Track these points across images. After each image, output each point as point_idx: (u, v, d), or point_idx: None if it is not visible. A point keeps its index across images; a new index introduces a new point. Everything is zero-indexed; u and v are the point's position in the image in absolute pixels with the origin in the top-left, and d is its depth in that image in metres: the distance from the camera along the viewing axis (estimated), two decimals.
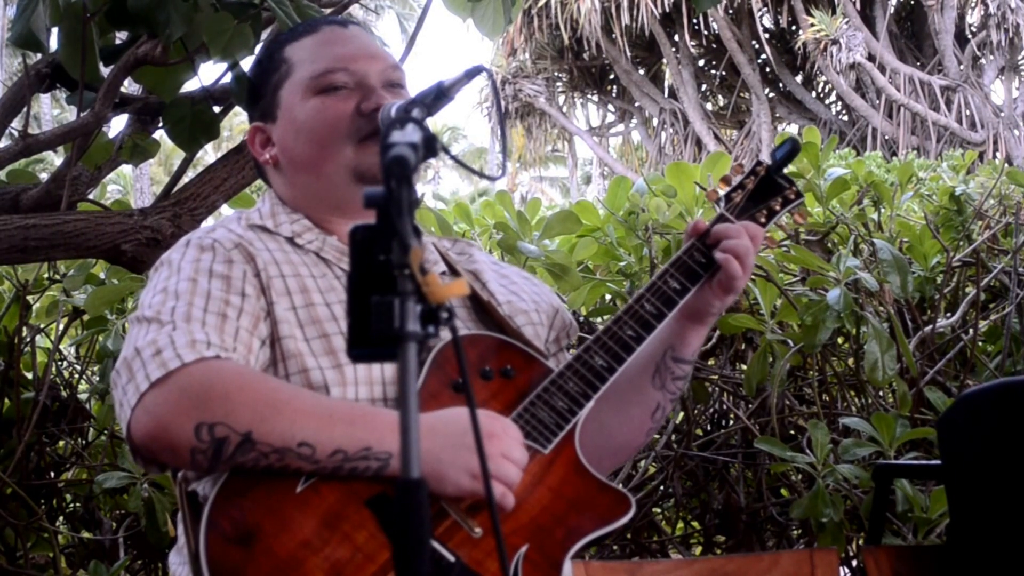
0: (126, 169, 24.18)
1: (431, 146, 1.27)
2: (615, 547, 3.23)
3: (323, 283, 1.74)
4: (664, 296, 1.77)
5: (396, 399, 1.65)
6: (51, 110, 26.78)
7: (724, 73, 26.06)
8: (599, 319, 3.40)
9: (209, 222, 2.57)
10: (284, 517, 1.51)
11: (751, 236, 1.79)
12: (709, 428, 3.41)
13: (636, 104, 26.86)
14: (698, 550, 3.39)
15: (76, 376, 3.48)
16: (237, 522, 1.49)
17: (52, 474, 3.33)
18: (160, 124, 2.72)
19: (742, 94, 25.78)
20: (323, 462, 1.52)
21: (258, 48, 2.39)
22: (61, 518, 3.38)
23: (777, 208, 1.89)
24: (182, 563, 1.67)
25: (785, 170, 1.91)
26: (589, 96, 28.93)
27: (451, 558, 1.55)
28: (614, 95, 28.19)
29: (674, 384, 1.88)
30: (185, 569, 1.65)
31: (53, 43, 2.48)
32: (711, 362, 3.34)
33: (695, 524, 3.42)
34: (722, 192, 1.88)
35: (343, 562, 1.49)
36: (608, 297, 3.33)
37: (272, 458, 1.51)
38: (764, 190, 1.89)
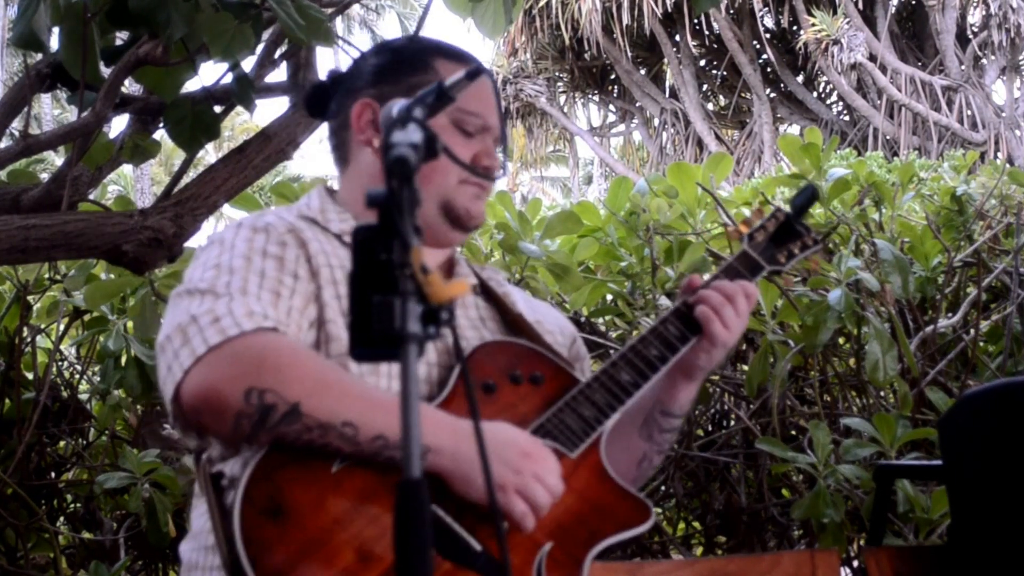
0: (127, 169, 24.19)
1: (432, 146, 1.27)
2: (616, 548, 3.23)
3: None
4: (686, 320, 1.86)
5: (426, 397, 1.71)
6: (52, 110, 26.77)
7: (725, 73, 26.03)
8: (600, 319, 3.40)
9: (210, 222, 2.57)
10: (318, 495, 1.53)
11: (746, 294, 1.87)
12: (710, 428, 3.41)
13: (637, 104, 26.84)
14: (699, 551, 3.39)
15: (77, 376, 3.48)
16: (272, 497, 1.51)
17: (53, 474, 3.33)
18: (161, 124, 2.72)
19: (743, 94, 25.76)
20: (363, 445, 1.54)
21: (256, 46, 2.39)
22: (62, 518, 3.38)
23: (796, 252, 2.02)
24: (197, 549, 1.68)
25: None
26: (590, 96, 28.91)
27: (477, 547, 1.58)
28: (615, 95, 28.17)
29: (661, 436, 1.96)
30: (200, 554, 1.67)
31: (54, 43, 2.48)
32: None
33: (696, 524, 3.42)
34: (745, 232, 1.99)
35: (372, 541, 1.52)
36: (609, 297, 3.33)
37: (315, 433, 1.53)
38: (784, 234, 2.00)
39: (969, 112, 22.09)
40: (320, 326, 1.69)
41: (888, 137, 22.64)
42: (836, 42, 21.76)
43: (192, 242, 2.65)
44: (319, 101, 1.97)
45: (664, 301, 3.14)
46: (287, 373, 1.54)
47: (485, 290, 1.95)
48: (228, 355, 1.55)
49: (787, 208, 2.02)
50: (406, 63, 1.88)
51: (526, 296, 2.12)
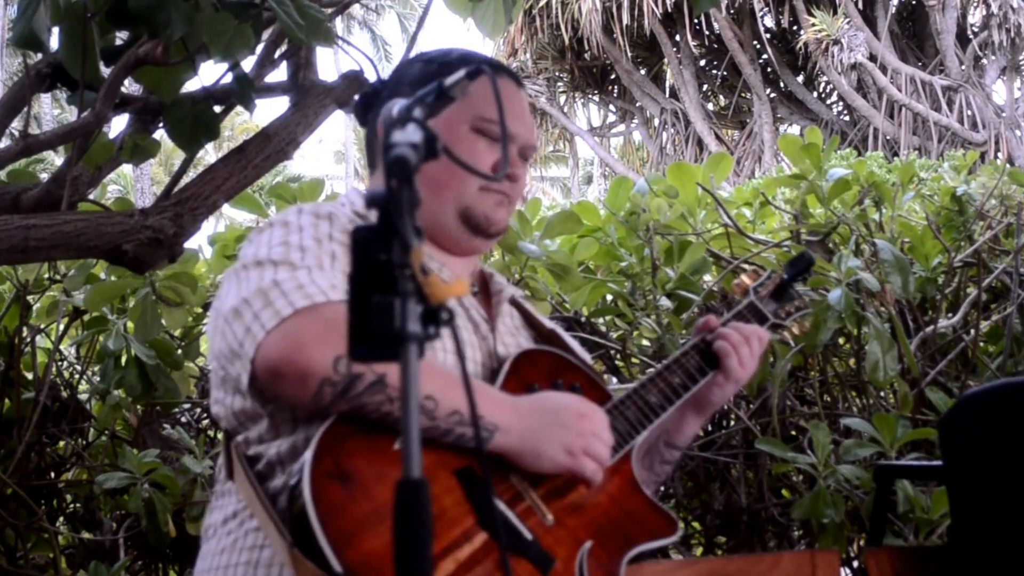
0: (127, 169, 24.21)
1: (432, 146, 1.27)
2: None
3: None
4: (706, 356, 1.97)
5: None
6: (51, 110, 26.77)
7: (725, 73, 26.03)
8: (600, 320, 3.40)
9: (210, 221, 2.57)
10: (381, 469, 1.53)
11: (759, 338, 1.99)
12: (710, 428, 3.41)
13: (637, 104, 26.84)
14: (699, 551, 3.38)
15: (76, 376, 3.48)
16: (339, 462, 1.51)
17: (52, 474, 3.33)
18: (161, 124, 2.71)
19: (743, 94, 25.76)
20: (439, 420, 1.56)
21: (256, 46, 2.39)
22: (61, 518, 3.38)
23: (792, 311, 2.17)
24: (225, 532, 1.67)
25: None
26: (590, 96, 28.90)
27: (529, 536, 1.61)
28: (615, 95, 28.17)
29: (661, 467, 2.06)
30: (227, 539, 1.66)
31: (54, 43, 2.48)
32: None
33: (696, 525, 3.42)
34: (749, 286, 2.13)
35: (433, 519, 1.52)
36: (609, 298, 3.33)
37: (395, 405, 1.53)
38: (780, 294, 2.14)
39: (969, 112, 22.09)
40: None
41: (888, 137, 22.64)
42: (836, 42, 21.76)
43: (192, 243, 2.65)
44: (364, 110, 1.98)
45: (664, 301, 3.14)
46: None
47: (514, 302, 2.00)
48: (318, 319, 1.53)
49: (784, 275, 2.17)
50: (435, 74, 1.86)
51: (539, 313, 2.17)
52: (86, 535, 3.32)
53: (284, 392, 1.57)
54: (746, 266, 3.11)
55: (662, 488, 3.26)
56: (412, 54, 2.96)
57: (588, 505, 1.72)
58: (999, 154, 21.08)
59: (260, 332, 1.54)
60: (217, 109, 2.64)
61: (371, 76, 2.70)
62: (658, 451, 2.04)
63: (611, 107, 29.03)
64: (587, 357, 2.09)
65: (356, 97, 2.04)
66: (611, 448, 1.75)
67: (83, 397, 3.43)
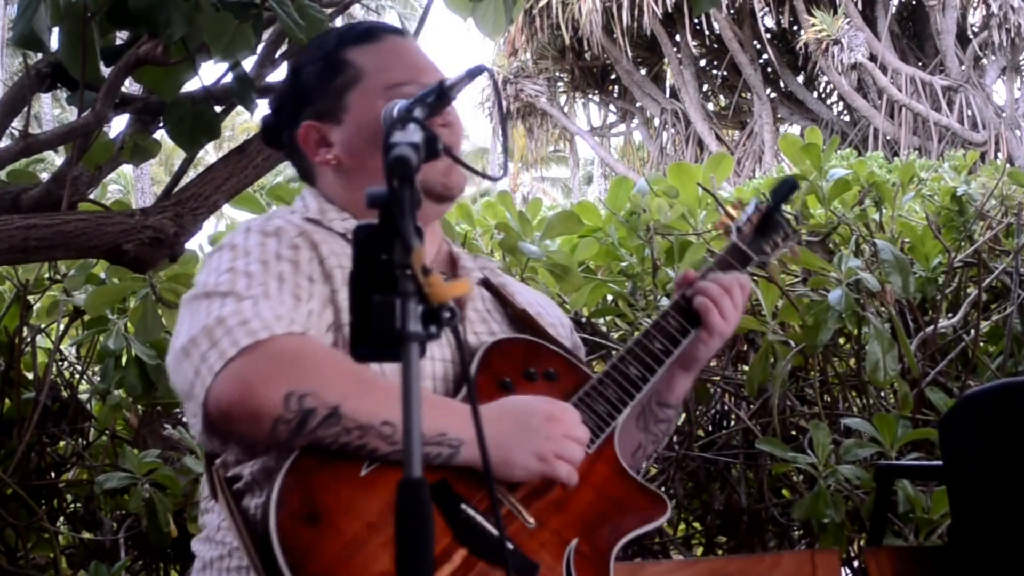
0: (127, 169, 24.19)
1: (432, 146, 1.27)
2: None
3: None
4: (686, 313, 1.90)
5: (444, 394, 1.71)
6: (52, 110, 26.77)
7: (726, 73, 26.03)
8: (601, 320, 3.40)
9: (211, 221, 2.57)
10: (349, 499, 1.52)
11: (741, 286, 1.92)
12: (711, 429, 3.41)
13: (637, 104, 26.84)
14: (699, 551, 3.38)
15: (77, 376, 3.48)
16: (305, 502, 1.50)
17: (53, 474, 3.33)
18: (161, 124, 2.71)
19: (744, 94, 25.76)
20: (400, 444, 1.53)
21: (256, 45, 2.39)
22: (62, 518, 3.38)
23: (779, 242, 2.06)
24: (213, 549, 1.68)
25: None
26: (590, 96, 28.91)
27: (509, 545, 1.59)
28: (615, 95, 28.18)
29: (657, 427, 2.00)
30: (216, 554, 1.66)
31: (54, 43, 2.48)
32: (713, 363, 3.34)
33: (696, 525, 3.42)
34: (732, 224, 2.05)
35: None
36: (610, 298, 3.33)
37: (353, 435, 1.52)
38: (767, 225, 2.05)
39: (969, 112, 22.09)
40: (337, 329, 1.68)
41: (888, 137, 22.64)
42: (836, 42, 21.76)
43: (192, 243, 2.65)
44: (273, 136, 1.95)
45: (665, 302, 3.14)
46: (325, 376, 1.53)
47: (485, 282, 1.94)
48: (264, 357, 1.52)
49: (768, 201, 2.08)
50: (322, 71, 1.86)
51: (522, 285, 2.13)
52: (86, 535, 3.32)
53: (239, 433, 1.58)
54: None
55: (663, 488, 3.26)
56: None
57: (571, 500, 1.68)
58: (999, 154, 21.08)
59: (208, 375, 1.52)
60: (217, 109, 2.63)
61: None
62: (651, 412, 1.99)
63: (611, 107, 29.04)
64: (564, 322, 2.04)
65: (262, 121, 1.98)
66: (590, 438, 1.72)
67: (83, 397, 3.43)
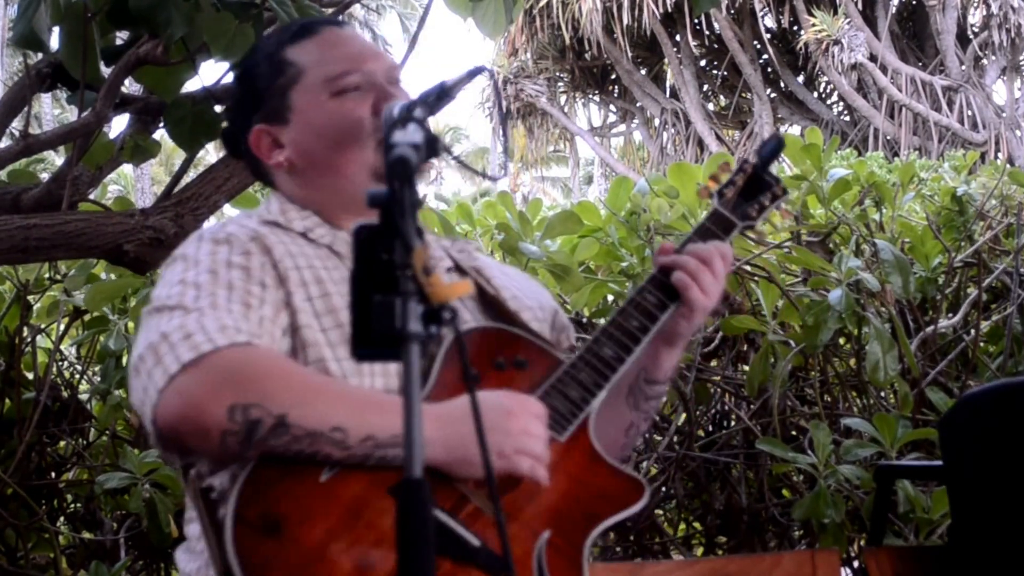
0: (127, 169, 24.20)
1: (433, 146, 1.27)
2: (618, 548, 3.23)
3: (336, 275, 1.74)
4: (664, 287, 1.81)
5: None
6: (52, 110, 26.78)
7: (726, 73, 26.04)
8: (602, 320, 3.40)
9: (211, 222, 2.57)
10: (310, 507, 1.51)
11: (722, 255, 1.83)
12: (711, 429, 3.41)
13: (638, 104, 26.85)
14: (700, 551, 3.39)
15: (77, 376, 3.48)
16: (263, 513, 1.49)
17: (53, 474, 3.33)
18: (161, 124, 2.72)
19: (744, 94, 25.77)
20: (354, 448, 1.52)
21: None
22: (62, 518, 3.38)
23: (767, 203, 1.94)
24: (193, 559, 1.67)
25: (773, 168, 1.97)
26: (591, 96, 28.92)
27: (476, 542, 1.56)
28: (615, 95, 28.19)
29: (647, 404, 1.92)
30: (196, 565, 1.65)
31: (54, 43, 2.48)
32: (713, 363, 3.35)
33: (697, 525, 3.42)
34: (714, 189, 1.93)
35: (369, 549, 1.50)
36: (610, 298, 3.33)
37: (304, 442, 1.50)
38: (753, 187, 1.94)
39: (969, 112, 22.10)
40: (294, 332, 1.66)
41: (889, 137, 22.65)
42: (837, 42, 21.78)
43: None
44: (233, 145, 1.93)
45: None
46: (269, 385, 1.52)
47: (458, 268, 1.90)
48: (206, 371, 1.51)
49: (754, 160, 1.97)
50: (266, 73, 1.85)
51: (501, 266, 2.07)
52: (87, 535, 3.32)
53: (191, 448, 1.57)
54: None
55: (663, 488, 3.26)
56: (413, 54, 2.98)
57: (542, 491, 1.63)
58: (999, 154, 21.09)
59: (154, 393, 1.52)
60: (218, 109, 2.64)
61: None
62: (640, 390, 1.91)
63: (611, 107, 29.06)
64: (544, 303, 1.97)
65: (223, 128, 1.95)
66: (563, 425, 1.68)
67: (84, 397, 3.43)
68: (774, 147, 1.95)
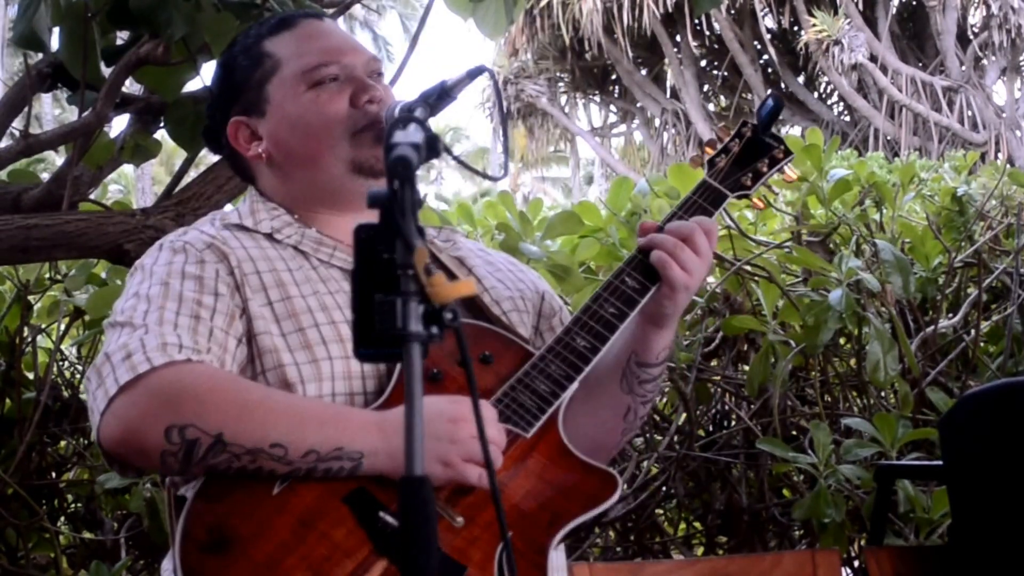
0: (128, 169, 24.19)
1: (433, 146, 1.27)
2: (618, 548, 3.23)
3: (299, 275, 1.73)
4: (646, 268, 1.73)
5: (374, 392, 1.63)
6: (52, 110, 26.80)
7: (726, 74, 26.06)
8: None
9: None
10: (261, 520, 1.50)
11: (705, 231, 1.73)
12: (711, 429, 3.41)
13: (638, 104, 26.87)
14: (700, 551, 3.39)
15: (77, 376, 3.48)
16: (212, 528, 1.48)
17: (54, 474, 3.33)
18: (162, 124, 2.72)
19: (744, 95, 25.78)
20: (296, 463, 1.51)
21: None
22: (62, 518, 3.38)
23: (764, 169, 1.86)
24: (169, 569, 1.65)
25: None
26: (591, 96, 28.94)
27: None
28: (616, 95, 28.21)
29: (642, 388, 1.83)
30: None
31: (55, 43, 2.48)
32: (714, 363, 3.34)
33: (697, 525, 3.42)
34: (707, 157, 1.86)
35: (321, 560, 1.49)
36: None
37: (245, 459, 1.50)
38: (751, 152, 1.86)
39: (970, 113, 22.12)
40: (251, 340, 1.65)
41: (889, 138, 22.66)
42: (837, 43, 21.79)
43: None
44: (214, 142, 1.92)
45: None
46: (205, 404, 1.51)
47: (434, 258, 1.83)
48: (142, 393, 1.51)
49: (753, 121, 1.88)
50: (243, 66, 1.84)
51: (487, 253, 2.00)
52: (87, 535, 3.32)
53: (136, 466, 1.59)
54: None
55: (663, 488, 3.26)
56: (413, 54, 2.98)
57: (504, 492, 1.58)
58: (999, 154, 21.11)
59: (96, 415, 1.54)
60: None
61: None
62: (632, 373, 1.80)
63: (612, 107, 29.08)
64: (528, 292, 1.91)
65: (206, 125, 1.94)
66: (528, 423, 1.63)
67: (84, 397, 3.43)
68: (773, 107, 1.84)
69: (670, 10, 22.71)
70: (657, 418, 3.27)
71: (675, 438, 3.24)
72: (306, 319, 1.67)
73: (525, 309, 1.88)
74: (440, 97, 1.58)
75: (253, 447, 1.50)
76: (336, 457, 1.52)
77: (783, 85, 25.41)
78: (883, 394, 3.24)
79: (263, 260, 1.73)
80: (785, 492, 3.30)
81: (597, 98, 29.01)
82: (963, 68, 22.67)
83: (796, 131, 22.92)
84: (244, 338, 1.65)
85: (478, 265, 1.90)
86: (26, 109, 2.66)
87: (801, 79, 25.05)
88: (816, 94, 25.66)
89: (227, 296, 1.66)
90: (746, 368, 3.22)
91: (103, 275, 3.16)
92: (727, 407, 3.43)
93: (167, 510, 1.65)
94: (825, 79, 24.26)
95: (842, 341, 3.29)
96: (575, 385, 1.69)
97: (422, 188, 1.20)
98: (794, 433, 3.23)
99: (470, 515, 1.57)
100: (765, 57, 25.20)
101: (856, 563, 3.10)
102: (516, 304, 1.87)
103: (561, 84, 27.93)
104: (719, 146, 1.87)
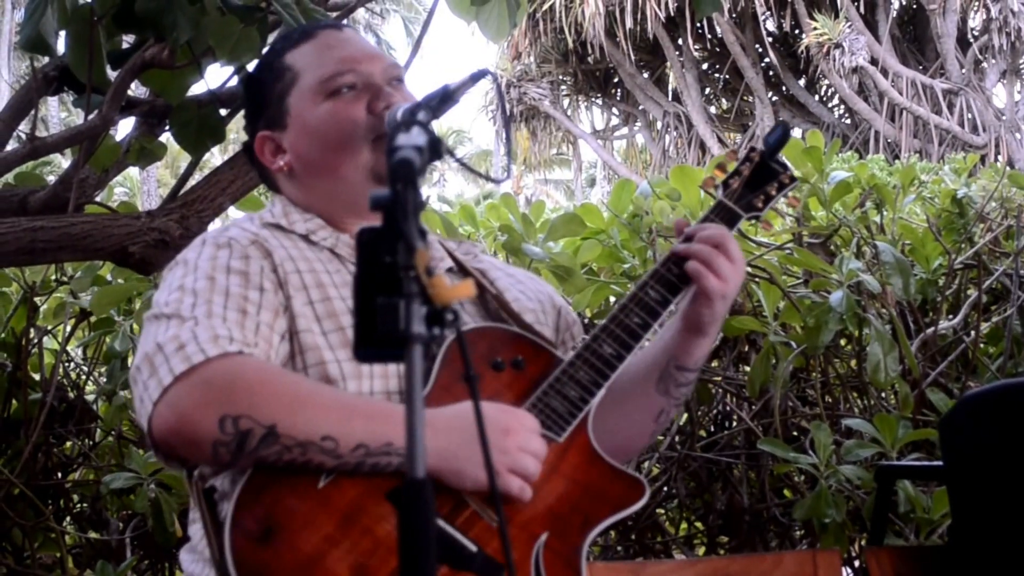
0: (133, 172, 24.23)
1: (436, 149, 1.28)
2: (619, 548, 3.24)
3: (338, 278, 1.75)
4: (667, 282, 1.78)
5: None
6: (58, 113, 26.83)
7: (728, 77, 26.04)
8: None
9: (216, 224, 2.58)
10: (307, 513, 1.52)
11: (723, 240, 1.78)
12: (713, 429, 3.42)
13: (640, 107, 26.85)
14: (701, 551, 3.39)
15: (83, 377, 3.50)
16: (260, 520, 1.50)
17: (59, 475, 3.35)
18: (167, 127, 2.73)
19: (745, 97, 25.77)
20: (345, 456, 1.53)
21: (261, 49, 2.40)
22: (68, 518, 3.40)
23: (773, 193, 1.91)
24: (196, 560, 1.67)
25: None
26: (593, 99, 28.94)
27: (472, 548, 1.56)
28: (618, 98, 28.20)
29: (678, 390, 1.88)
30: (200, 567, 1.66)
31: (61, 46, 2.50)
32: (715, 364, 3.36)
33: (698, 525, 3.43)
34: (719, 180, 1.91)
35: (366, 555, 1.51)
36: (612, 299, 3.34)
37: (295, 452, 1.51)
38: (760, 176, 1.91)
39: (970, 115, 22.10)
40: (293, 337, 1.67)
41: (889, 140, 22.64)
42: (838, 46, 21.78)
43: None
44: (250, 156, 1.93)
45: None
46: (259, 396, 1.53)
47: (461, 268, 1.89)
48: (197, 383, 1.53)
49: (760, 147, 1.93)
50: (266, 81, 1.86)
51: (505, 267, 2.07)
52: (93, 535, 3.34)
53: (185, 457, 1.59)
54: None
55: (665, 488, 3.28)
56: (416, 58, 2.99)
57: (540, 494, 1.62)
58: (999, 157, 21.09)
59: (149, 405, 1.54)
60: (223, 112, 2.65)
61: None
62: (671, 376, 1.85)
63: (614, 110, 29.07)
64: (547, 306, 1.95)
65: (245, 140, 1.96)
66: (561, 428, 1.67)
67: (90, 398, 3.45)
68: (780, 135, 1.92)
69: (672, 14, 22.70)
70: None
71: (676, 438, 3.26)
72: (346, 319, 1.69)
73: (545, 322, 1.93)
74: (443, 100, 1.59)
75: (305, 440, 1.51)
76: (385, 452, 1.54)
77: (784, 88, 25.40)
78: (883, 395, 3.25)
79: (302, 260, 1.75)
80: (786, 492, 3.31)
81: (599, 101, 29.00)
82: (963, 71, 22.66)
83: (797, 133, 22.92)
84: (286, 334, 1.67)
85: (500, 278, 1.94)
86: (32, 112, 2.67)
87: (802, 82, 25.04)
88: (817, 97, 25.64)
89: (271, 292, 1.68)
90: (747, 369, 3.24)
91: (108, 277, 3.18)
92: (728, 408, 3.44)
93: (196, 504, 1.65)
94: (826, 82, 24.25)
95: (843, 342, 3.30)
96: (603, 391, 1.73)
97: (425, 190, 1.21)
98: (795, 434, 3.24)
99: (508, 515, 1.60)
100: (766, 60, 25.19)
101: (856, 563, 3.11)
102: (537, 316, 1.91)
103: (563, 87, 27.91)
104: (730, 169, 1.93)
